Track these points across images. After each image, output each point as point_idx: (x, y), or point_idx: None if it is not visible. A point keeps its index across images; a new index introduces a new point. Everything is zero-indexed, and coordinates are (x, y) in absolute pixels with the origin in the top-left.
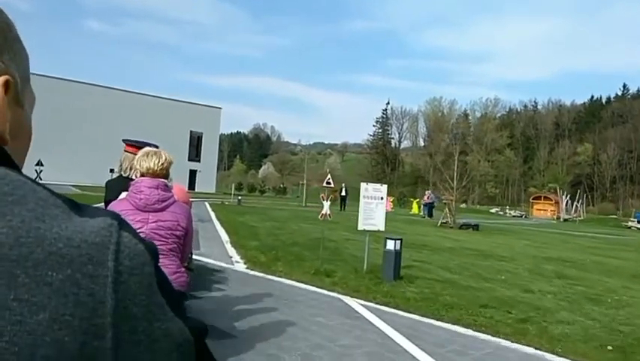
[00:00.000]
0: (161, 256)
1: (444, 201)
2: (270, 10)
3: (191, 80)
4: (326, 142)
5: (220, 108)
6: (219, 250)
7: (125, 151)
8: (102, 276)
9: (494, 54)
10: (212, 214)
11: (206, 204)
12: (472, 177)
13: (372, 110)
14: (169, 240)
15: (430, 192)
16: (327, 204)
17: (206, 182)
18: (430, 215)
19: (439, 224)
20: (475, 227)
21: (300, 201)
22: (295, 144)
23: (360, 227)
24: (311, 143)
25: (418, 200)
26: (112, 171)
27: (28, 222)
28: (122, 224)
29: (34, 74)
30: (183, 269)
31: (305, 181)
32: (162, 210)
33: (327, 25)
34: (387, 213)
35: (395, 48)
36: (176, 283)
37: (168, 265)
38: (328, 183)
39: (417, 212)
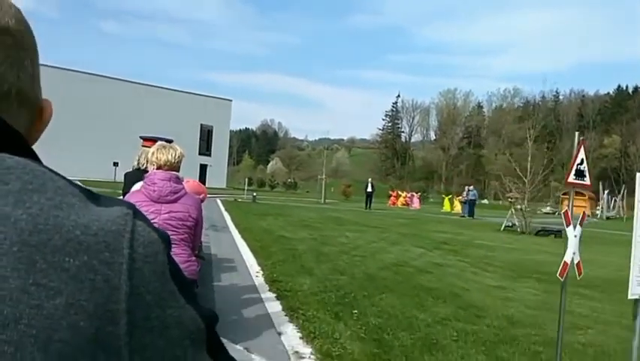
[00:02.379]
0: (173, 246)
1: (509, 200)
2: (275, 7)
3: (199, 77)
4: (332, 137)
5: (230, 100)
6: (246, 298)
7: (143, 146)
8: (117, 263)
9: (510, 45)
10: (227, 216)
11: (218, 201)
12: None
13: (378, 104)
14: (180, 230)
15: (470, 187)
16: (574, 245)
17: (217, 177)
18: (471, 214)
19: (502, 228)
20: (558, 234)
21: (315, 196)
22: (302, 140)
23: (634, 293)
24: (317, 138)
25: (450, 196)
26: (115, 164)
27: (46, 210)
28: (137, 213)
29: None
30: (194, 258)
31: (324, 177)
32: (174, 201)
33: (332, 21)
34: (417, 211)
35: (401, 42)
36: (187, 272)
37: (180, 254)
38: (582, 174)
39: (449, 209)
